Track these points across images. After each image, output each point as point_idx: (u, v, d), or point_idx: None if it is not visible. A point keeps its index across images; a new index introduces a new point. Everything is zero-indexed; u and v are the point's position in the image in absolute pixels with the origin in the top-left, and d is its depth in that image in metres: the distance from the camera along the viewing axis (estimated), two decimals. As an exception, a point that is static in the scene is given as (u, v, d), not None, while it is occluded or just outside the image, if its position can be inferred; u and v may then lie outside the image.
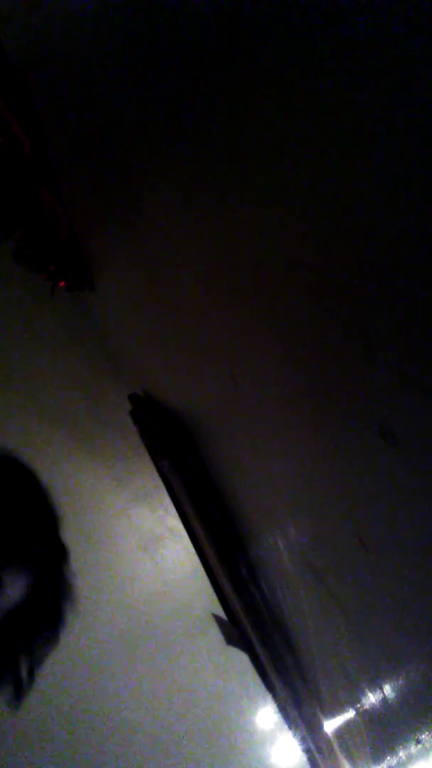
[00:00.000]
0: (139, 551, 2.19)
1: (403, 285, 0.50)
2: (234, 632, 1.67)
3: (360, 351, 0.61)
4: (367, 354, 0.60)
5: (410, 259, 0.48)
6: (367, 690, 1.08)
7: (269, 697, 1.72)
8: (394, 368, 0.56)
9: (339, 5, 0.45)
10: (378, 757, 1.19)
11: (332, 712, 1.41)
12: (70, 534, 2.15)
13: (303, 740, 1.60)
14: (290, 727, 1.65)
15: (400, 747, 1.03)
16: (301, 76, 0.53)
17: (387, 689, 0.98)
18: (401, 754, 1.03)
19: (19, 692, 1.37)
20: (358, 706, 1.17)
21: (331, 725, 1.45)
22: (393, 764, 1.11)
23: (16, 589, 1.28)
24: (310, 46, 0.50)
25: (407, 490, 0.61)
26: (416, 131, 0.42)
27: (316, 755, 1.53)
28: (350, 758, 1.36)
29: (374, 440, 0.63)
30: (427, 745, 0.91)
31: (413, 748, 0.98)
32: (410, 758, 1.02)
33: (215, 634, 1.83)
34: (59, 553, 1.50)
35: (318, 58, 0.49)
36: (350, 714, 1.26)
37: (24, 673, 1.38)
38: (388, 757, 1.12)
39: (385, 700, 1.00)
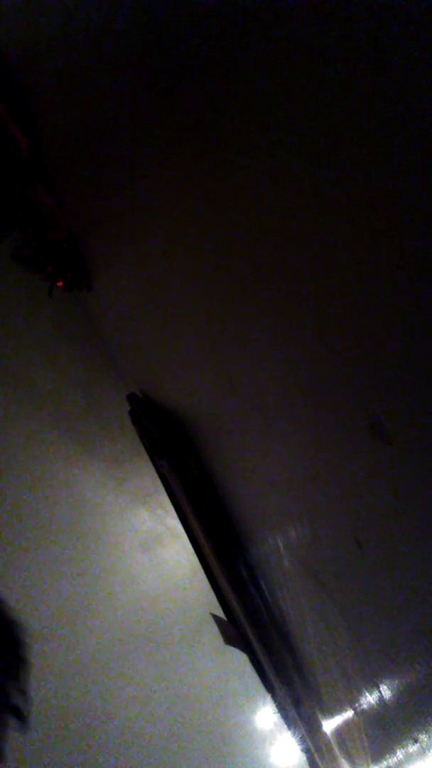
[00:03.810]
0: (139, 551, 2.19)
1: (401, 287, 0.50)
2: (233, 632, 1.67)
3: (356, 352, 0.61)
4: (362, 355, 0.60)
5: (408, 259, 0.48)
6: (365, 689, 1.08)
7: (268, 697, 1.72)
8: (388, 369, 0.56)
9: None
10: (376, 756, 1.19)
11: (331, 712, 1.41)
12: (70, 535, 2.16)
13: (302, 740, 1.60)
14: (289, 727, 1.65)
15: (398, 746, 1.03)
16: (297, 72, 0.53)
17: (385, 688, 0.98)
18: (399, 753, 1.04)
19: (21, 717, 1.44)
20: (357, 705, 1.17)
21: (330, 725, 1.45)
22: (391, 763, 1.11)
23: None
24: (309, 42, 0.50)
25: (402, 488, 0.61)
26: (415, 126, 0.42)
27: (315, 755, 1.53)
28: (349, 757, 1.36)
29: (370, 440, 0.63)
30: (425, 744, 0.91)
31: (411, 747, 0.98)
32: (408, 757, 1.02)
33: (214, 634, 1.84)
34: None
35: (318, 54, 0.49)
36: (349, 713, 1.26)
37: (18, 700, 1.45)
38: (387, 756, 1.12)
39: (383, 699, 1.00)
